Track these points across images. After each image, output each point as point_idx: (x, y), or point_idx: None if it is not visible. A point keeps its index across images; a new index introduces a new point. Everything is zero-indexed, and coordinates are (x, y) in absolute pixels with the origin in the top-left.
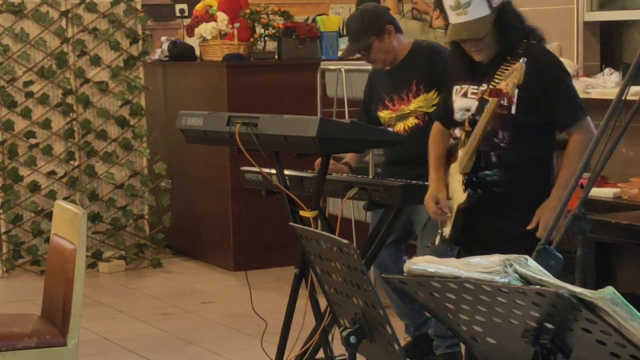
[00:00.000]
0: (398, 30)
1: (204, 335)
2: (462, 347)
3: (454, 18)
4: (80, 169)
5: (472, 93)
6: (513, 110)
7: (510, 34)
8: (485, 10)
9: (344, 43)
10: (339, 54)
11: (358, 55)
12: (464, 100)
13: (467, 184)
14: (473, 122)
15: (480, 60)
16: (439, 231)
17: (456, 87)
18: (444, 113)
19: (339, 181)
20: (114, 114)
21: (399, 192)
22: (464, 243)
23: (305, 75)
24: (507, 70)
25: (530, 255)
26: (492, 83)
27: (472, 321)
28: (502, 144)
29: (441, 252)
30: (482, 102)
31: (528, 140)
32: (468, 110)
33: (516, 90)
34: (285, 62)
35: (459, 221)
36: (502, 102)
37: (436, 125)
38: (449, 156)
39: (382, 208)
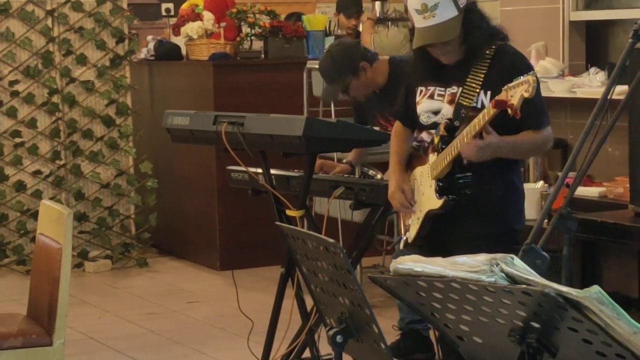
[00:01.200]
0: (372, 60)
1: (190, 335)
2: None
3: (420, 22)
4: (66, 169)
5: (439, 95)
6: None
7: (476, 35)
8: (453, 12)
9: (329, 42)
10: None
11: None
12: (430, 102)
13: (442, 191)
14: (450, 128)
15: (448, 62)
16: (402, 235)
17: (421, 89)
18: (405, 113)
19: (326, 180)
20: (100, 114)
21: (384, 192)
22: (427, 247)
23: (291, 75)
24: (479, 69)
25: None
26: (465, 87)
27: (458, 320)
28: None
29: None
30: (459, 107)
31: None
32: (435, 112)
33: (488, 92)
34: (272, 62)
35: (426, 226)
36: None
37: (396, 125)
38: (411, 158)
39: (368, 207)
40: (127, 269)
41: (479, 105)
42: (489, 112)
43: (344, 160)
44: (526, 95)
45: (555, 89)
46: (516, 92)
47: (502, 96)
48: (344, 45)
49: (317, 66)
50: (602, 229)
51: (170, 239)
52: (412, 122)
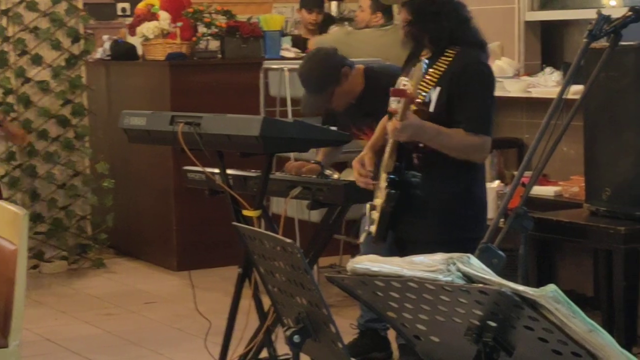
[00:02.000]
0: (351, 65)
1: (148, 336)
2: None
3: None
4: (21, 169)
5: (403, 86)
6: (432, 108)
7: (437, 31)
8: None
9: (286, 42)
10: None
11: (303, 54)
12: None
13: (389, 184)
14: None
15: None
16: (366, 229)
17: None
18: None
19: (283, 180)
20: (56, 114)
21: (342, 191)
22: (393, 241)
23: (248, 75)
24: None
25: None
26: (423, 81)
27: (415, 320)
28: (421, 145)
29: (367, 250)
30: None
31: None
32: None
33: (438, 89)
34: (228, 62)
35: (384, 221)
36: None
37: (383, 119)
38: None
39: (325, 207)
40: (83, 269)
41: (428, 100)
42: (400, 102)
43: (312, 160)
44: (414, 81)
45: (510, 88)
46: (412, 81)
47: (401, 86)
48: (324, 53)
49: (274, 66)
50: (557, 228)
51: (127, 239)
52: None
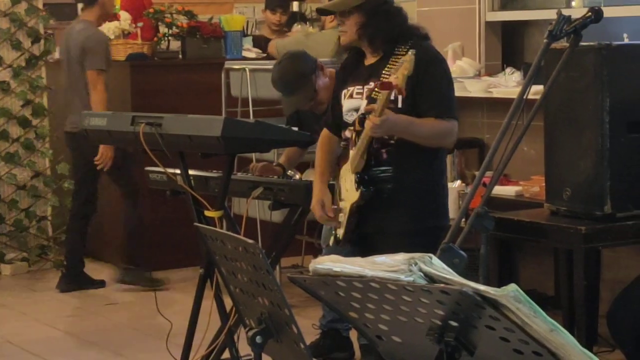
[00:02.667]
0: (322, 66)
1: (109, 337)
2: None
3: None
4: None
5: (357, 93)
6: (399, 104)
7: (387, 31)
8: None
9: (248, 42)
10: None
11: (264, 55)
12: (350, 101)
13: (360, 183)
14: (363, 121)
15: (344, 43)
16: (332, 232)
17: (344, 92)
18: (332, 120)
19: (244, 181)
20: (16, 114)
21: (303, 192)
22: (358, 242)
23: (209, 75)
24: (395, 64)
25: (418, 251)
26: (381, 78)
27: (377, 320)
28: (391, 140)
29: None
30: (371, 101)
31: None
32: (356, 110)
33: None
34: (190, 62)
35: (352, 221)
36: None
37: (324, 132)
38: (340, 159)
39: (287, 207)
40: (44, 271)
41: (392, 98)
42: (381, 95)
43: (273, 163)
44: (405, 72)
45: (471, 89)
46: (398, 73)
47: (390, 79)
48: (294, 53)
49: (235, 66)
50: (518, 227)
51: (88, 240)
52: (339, 129)
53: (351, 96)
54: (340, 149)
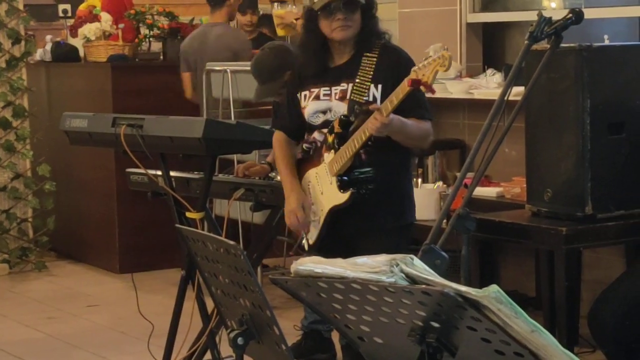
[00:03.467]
0: None
1: (90, 339)
2: None
3: None
4: None
5: (325, 95)
6: (379, 104)
7: (369, 34)
8: None
9: None
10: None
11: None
12: (317, 102)
13: (345, 185)
14: (345, 123)
15: (340, 38)
16: (302, 237)
17: (304, 93)
18: (290, 124)
19: (226, 182)
20: None
21: (284, 193)
22: (327, 248)
23: None
24: (366, 68)
25: (402, 247)
26: (412, 72)
27: (359, 321)
28: (369, 142)
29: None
30: (352, 103)
31: None
32: (324, 112)
33: (379, 86)
34: (171, 63)
35: (328, 224)
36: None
37: (279, 136)
38: (300, 163)
39: (268, 209)
40: (25, 273)
41: (370, 99)
42: (403, 90)
43: (262, 162)
44: (442, 69)
45: (452, 90)
46: (428, 71)
47: (413, 76)
48: (277, 46)
49: (216, 68)
50: (499, 228)
51: (69, 242)
52: (297, 132)
53: (317, 98)
54: (297, 152)
